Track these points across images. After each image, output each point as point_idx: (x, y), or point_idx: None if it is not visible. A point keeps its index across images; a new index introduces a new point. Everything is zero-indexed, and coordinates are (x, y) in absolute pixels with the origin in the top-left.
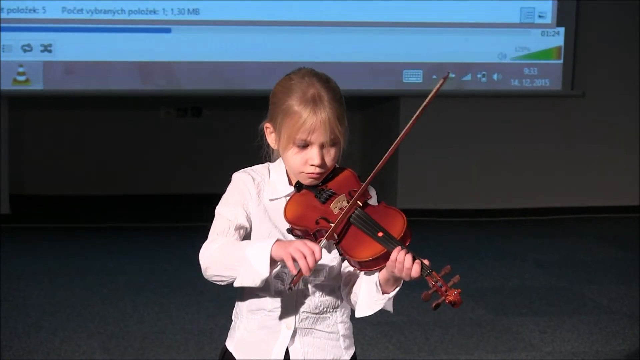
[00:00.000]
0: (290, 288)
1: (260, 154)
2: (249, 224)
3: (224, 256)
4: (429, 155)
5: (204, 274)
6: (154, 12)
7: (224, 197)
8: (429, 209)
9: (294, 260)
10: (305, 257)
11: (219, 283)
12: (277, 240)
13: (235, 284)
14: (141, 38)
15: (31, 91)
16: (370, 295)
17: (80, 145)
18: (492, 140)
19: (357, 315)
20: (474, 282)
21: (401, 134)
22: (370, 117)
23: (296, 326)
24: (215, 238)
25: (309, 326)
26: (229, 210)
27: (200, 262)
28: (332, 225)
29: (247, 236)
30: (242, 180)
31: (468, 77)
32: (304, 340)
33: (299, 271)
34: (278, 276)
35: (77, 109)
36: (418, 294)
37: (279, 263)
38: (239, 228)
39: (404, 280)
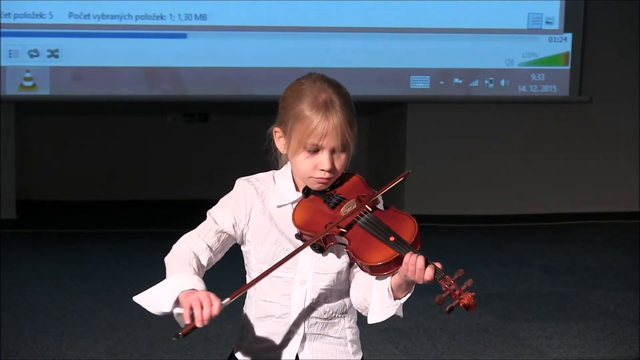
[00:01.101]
0: (177, 337)
1: (267, 159)
2: (236, 233)
3: (167, 267)
4: (435, 160)
5: None
6: (161, 17)
7: (220, 200)
8: (436, 215)
9: (191, 309)
10: (202, 308)
11: None
12: (191, 289)
13: (134, 298)
14: (148, 43)
15: (38, 96)
16: (382, 302)
17: (86, 150)
18: (499, 146)
19: (370, 321)
20: (481, 288)
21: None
22: (377, 122)
23: (305, 332)
24: (193, 235)
25: (318, 332)
26: (217, 214)
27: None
28: (343, 229)
29: (229, 245)
30: (243, 189)
31: (475, 83)
32: (313, 345)
33: (192, 321)
34: (285, 280)
35: (83, 114)
36: (425, 299)
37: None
38: (220, 232)
39: (415, 286)
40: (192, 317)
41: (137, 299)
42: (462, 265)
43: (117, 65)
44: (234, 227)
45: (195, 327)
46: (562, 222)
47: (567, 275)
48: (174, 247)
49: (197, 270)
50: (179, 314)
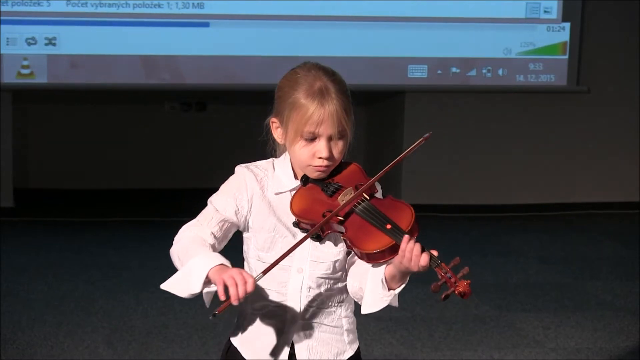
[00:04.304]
0: (214, 315)
1: (265, 150)
2: (239, 220)
3: (181, 253)
4: (433, 150)
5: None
6: (159, 5)
7: (221, 187)
8: (433, 205)
9: (226, 287)
10: (236, 286)
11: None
12: (221, 264)
13: (162, 286)
14: (146, 32)
15: (35, 85)
16: (376, 292)
17: (84, 139)
18: (496, 135)
19: (363, 312)
20: (478, 278)
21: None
22: (375, 112)
23: (301, 320)
24: (195, 224)
25: (314, 320)
26: (219, 201)
27: (174, 240)
28: (340, 218)
29: (236, 232)
30: (243, 175)
31: (473, 73)
32: (309, 334)
33: (227, 299)
34: (282, 268)
35: (81, 103)
36: (422, 289)
37: (212, 284)
38: (222, 220)
39: (410, 275)
40: (226, 294)
41: (164, 286)
42: (459, 255)
43: (115, 54)
44: (236, 213)
45: (230, 305)
46: (559, 212)
47: (565, 265)
48: (178, 237)
49: (213, 250)
50: (208, 292)
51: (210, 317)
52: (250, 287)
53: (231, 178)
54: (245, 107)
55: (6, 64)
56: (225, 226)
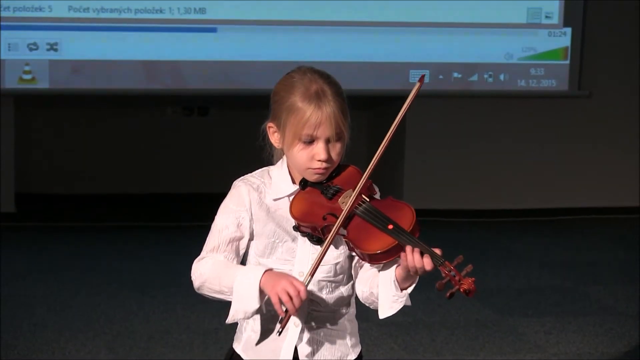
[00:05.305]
0: (279, 332)
1: (264, 155)
2: (244, 232)
3: (214, 280)
4: (434, 155)
5: (196, 291)
6: (161, 11)
7: (221, 205)
8: (435, 209)
9: (281, 301)
10: (291, 299)
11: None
12: (265, 271)
13: (228, 321)
14: (148, 37)
15: (37, 90)
16: (389, 295)
17: (86, 143)
18: (498, 140)
19: (381, 316)
20: (480, 283)
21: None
22: (376, 117)
23: (304, 324)
24: (205, 256)
25: (316, 324)
26: (221, 221)
27: (192, 279)
28: (339, 219)
29: (243, 247)
30: (238, 188)
31: (475, 78)
32: (312, 338)
33: (287, 313)
34: (283, 272)
35: (83, 108)
36: (424, 294)
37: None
38: (228, 241)
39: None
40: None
41: (229, 321)
42: None
43: (117, 59)
44: (239, 226)
45: (290, 316)
46: (561, 216)
47: (566, 270)
48: (197, 272)
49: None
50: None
51: (277, 335)
52: (304, 295)
53: (229, 195)
54: (247, 111)
55: (8, 69)
56: (232, 245)
